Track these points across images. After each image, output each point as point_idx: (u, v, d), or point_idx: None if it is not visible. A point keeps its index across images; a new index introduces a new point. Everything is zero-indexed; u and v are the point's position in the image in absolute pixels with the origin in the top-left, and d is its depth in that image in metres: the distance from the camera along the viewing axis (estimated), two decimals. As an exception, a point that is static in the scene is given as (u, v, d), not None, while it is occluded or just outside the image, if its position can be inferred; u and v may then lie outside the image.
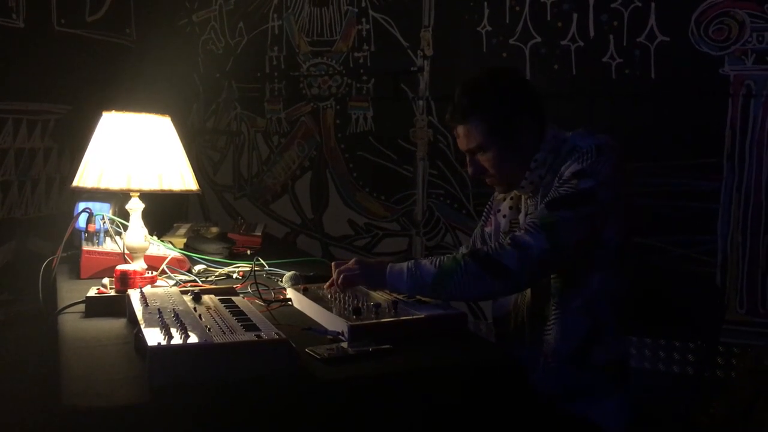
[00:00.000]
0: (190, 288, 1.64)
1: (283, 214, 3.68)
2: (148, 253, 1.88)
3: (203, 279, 1.95)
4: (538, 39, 2.99)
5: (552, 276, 1.59)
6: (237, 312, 1.39)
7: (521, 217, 1.71)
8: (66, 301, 1.64)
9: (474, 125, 1.61)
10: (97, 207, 2.07)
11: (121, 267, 1.67)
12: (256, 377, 1.15)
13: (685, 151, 2.75)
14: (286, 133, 3.64)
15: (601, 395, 1.59)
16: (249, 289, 1.78)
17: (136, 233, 1.82)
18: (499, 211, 1.78)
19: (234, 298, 1.53)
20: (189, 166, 1.91)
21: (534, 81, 2.85)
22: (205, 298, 1.50)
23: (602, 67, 2.87)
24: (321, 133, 3.54)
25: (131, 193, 1.81)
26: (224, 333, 1.21)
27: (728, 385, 2.58)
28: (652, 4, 2.76)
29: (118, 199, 2.11)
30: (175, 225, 2.55)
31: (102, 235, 2.00)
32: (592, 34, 2.89)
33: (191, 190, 1.88)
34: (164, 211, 2.74)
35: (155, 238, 2.06)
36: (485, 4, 3.09)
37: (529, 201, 1.69)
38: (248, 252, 2.33)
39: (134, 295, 1.50)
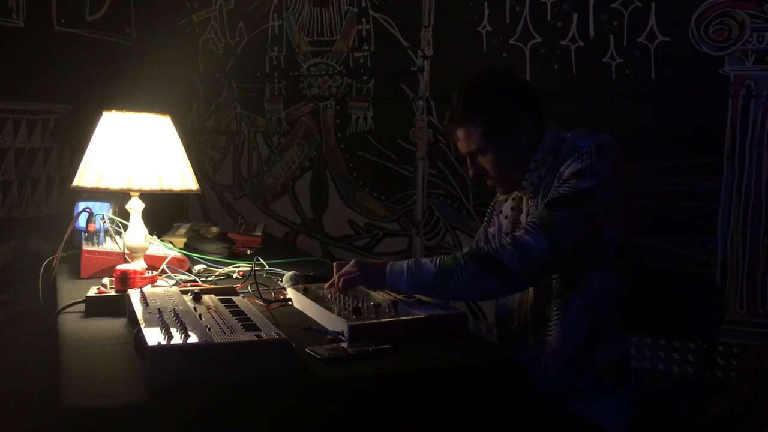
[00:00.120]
0: (190, 288, 1.64)
1: (283, 213, 3.68)
2: (148, 252, 1.88)
3: (203, 279, 1.95)
4: (538, 39, 2.99)
5: (553, 276, 1.59)
6: (237, 312, 1.39)
7: (522, 217, 1.71)
8: (66, 301, 1.64)
9: (472, 127, 1.61)
10: (97, 207, 2.07)
11: (121, 267, 1.68)
12: (256, 377, 1.15)
13: (685, 152, 2.75)
14: (286, 132, 3.63)
15: (602, 395, 1.59)
16: (249, 289, 1.78)
17: (136, 233, 1.82)
18: (500, 212, 1.78)
19: (234, 298, 1.53)
20: (189, 166, 1.91)
21: (534, 81, 2.86)
22: (205, 297, 1.50)
23: (602, 67, 2.87)
24: (321, 133, 3.54)
25: (131, 193, 1.81)
26: (224, 333, 1.21)
27: (728, 385, 2.58)
28: (653, 5, 2.76)
29: (118, 198, 2.11)
30: (175, 225, 2.55)
31: (102, 234, 2.00)
32: (592, 34, 2.89)
33: (191, 190, 1.88)
34: (164, 211, 2.75)
35: (155, 237, 2.06)
36: (485, 4, 3.09)
37: (530, 201, 1.69)
38: (248, 252, 2.33)
39: (134, 294, 1.50)
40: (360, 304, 1.51)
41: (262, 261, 2.06)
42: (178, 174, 1.84)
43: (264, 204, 3.73)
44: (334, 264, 1.68)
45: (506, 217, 1.76)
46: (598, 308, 1.58)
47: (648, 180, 2.77)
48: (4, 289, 2.86)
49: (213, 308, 1.41)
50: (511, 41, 3.04)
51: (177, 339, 1.15)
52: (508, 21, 3.05)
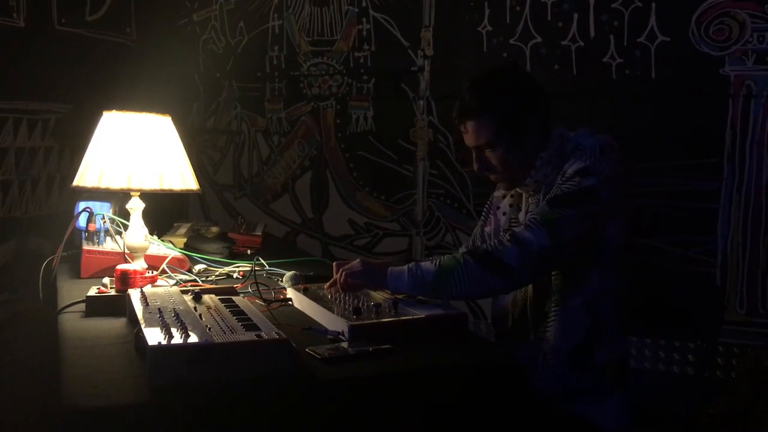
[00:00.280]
0: (191, 287, 1.64)
1: (283, 213, 3.68)
2: (148, 252, 1.88)
3: (203, 279, 1.95)
4: (539, 39, 2.99)
5: (553, 273, 1.59)
6: (237, 312, 1.39)
7: (521, 215, 1.72)
8: (66, 301, 1.64)
9: (484, 121, 1.61)
10: (97, 206, 2.07)
11: (121, 266, 1.68)
12: (257, 377, 1.15)
13: (685, 152, 2.75)
14: (287, 132, 3.63)
15: (602, 395, 1.59)
16: (249, 289, 1.78)
17: (137, 233, 1.82)
18: (498, 208, 1.78)
19: (234, 298, 1.54)
20: (189, 166, 1.91)
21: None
22: (206, 297, 1.50)
23: (603, 67, 2.87)
24: (321, 133, 3.54)
25: (131, 193, 1.81)
26: (224, 333, 1.21)
27: (728, 385, 2.58)
28: (653, 5, 2.76)
29: (118, 198, 2.11)
30: (175, 224, 2.55)
31: (102, 234, 2.00)
32: (592, 34, 2.89)
33: (191, 190, 1.88)
34: (164, 211, 2.75)
35: (155, 237, 2.06)
36: (486, 4, 3.09)
37: (530, 199, 1.69)
38: (248, 252, 2.33)
39: (134, 294, 1.50)
40: (360, 304, 1.52)
41: (263, 261, 2.06)
42: (179, 174, 1.84)
43: (264, 204, 3.73)
44: (334, 264, 1.69)
45: (504, 214, 1.76)
46: (599, 307, 1.58)
47: (648, 180, 2.77)
48: (5, 289, 2.86)
49: (213, 308, 1.41)
50: (511, 41, 3.04)
51: (177, 339, 1.15)
52: (508, 21, 3.05)
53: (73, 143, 3.09)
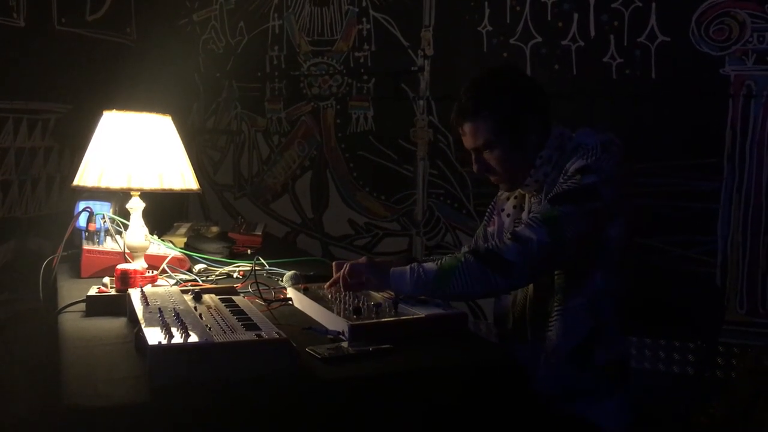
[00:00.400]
0: (191, 287, 1.64)
1: (283, 213, 3.68)
2: (148, 252, 1.88)
3: (204, 278, 1.95)
4: (539, 39, 2.99)
5: (556, 273, 1.59)
6: (237, 311, 1.39)
7: (524, 215, 1.72)
8: (66, 300, 1.64)
9: (482, 123, 1.62)
10: (97, 206, 2.07)
11: (121, 266, 1.68)
12: (257, 376, 1.15)
13: (685, 152, 2.75)
14: (287, 132, 3.63)
15: (602, 395, 1.59)
16: (249, 289, 1.78)
17: (137, 232, 1.82)
18: (503, 210, 1.78)
19: (234, 298, 1.54)
20: (189, 166, 1.91)
21: (534, 81, 2.85)
22: (206, 297, 1.50)
23: (603, 67, 2.87)
24: (321, 133, 3.54)
25: (132, 193, 1.81)
26: (225, 332, 1.21)
27: (728, 385, 2.58)
28: (653, 4, 2.76)
29: (118, 198, 2.11)
30: (175, 224, 2.55)
31: (102, 234, 2.00)
32: (592, 34, 2.89)
33: (191, 190, 1.88)
34: (164, 211, 2.74)
35: (156, 237, 2.06)
36: (486, 3, 3.09)
37: (533, 199, 1.69)
38: (249, 251, 2.33)
39: (135, 294, 1.50)
40: (360, 304, 1.52)
41: (263, 260, 2.06)
42: (179, 173, 1.84)
43: (264, 204, 3.73)
44: (334, 264, 1.69)
45: (508, 215, 1.76)
46: (600, 307, 1.58)
47: (648, 180, 2.77)
48: (5, 289, 2.86)
49: (213, 308, 1.41)
50: (511, 41, 3.04)
51: (177, 338, 1.15)
52: (508, 21, 3.05)
53: (73, 143, 3.09)
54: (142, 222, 1.83)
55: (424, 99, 3.27)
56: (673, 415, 1.75)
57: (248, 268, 1.99)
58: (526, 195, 1.73)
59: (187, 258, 2.05)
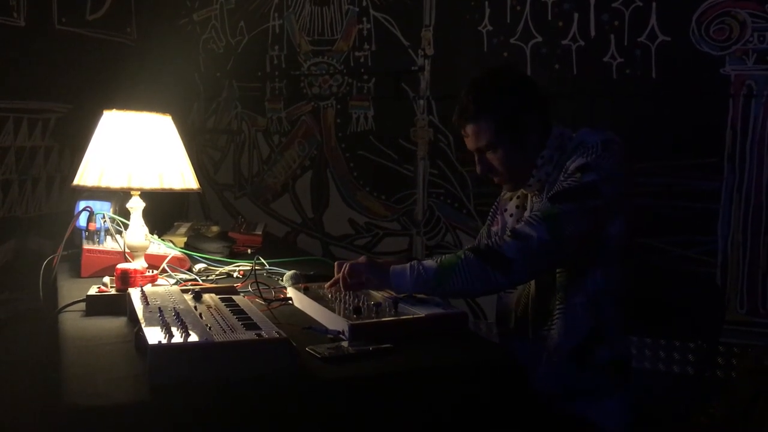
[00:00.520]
0: (191, 287, 1.64)
1: (283, 213, 3.68)
2: (148, 251, 1.88)
3: (204, 278, 1.95)
4: (539, 38, 2.99)
5: (558, 271, 1.59)
6: (237, 311, 1.39)
7: (526, 214, 1.72)
8: (66, 300, 1.64)
9: (483, 124, 1.62)
10: (97, 206, 2.07)
11: (121, 266, 1.68)
12: (257, 376, 1.15)
13: (685, 151, 2.75)
14: (287, 132, 3.63)
15: (602, 395, 1.59)
16: (249, 288, 1.78)
17: (137, 232, 1.82)
18: (506, 210, 1.79)
19: (234, 297, 1.54)
20: (189, 165, 1.91)
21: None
22: (206, 297, 1.50)
23: (603, 66, 2.87)
24: (321, 133, 3.54)
25: (132, 192, 1.81)
26: (225, 332, 1.21)
27: (728, 385, 2.58)
28: (653, 4, 2.76)
29: (118, 197, 2.11)
30: (175, 224, 2.55)
31: (102, 233, 2.00)
32: (593, 33, 2.89)
33: (192, 189, 1.88)
34: (165, 210, 2.75)
35: (156, 236, 2.06)
36: (486, 3, 3.09)
37: (535, 199, 1.70)
38: (249, 251, 2.33)
39: (135, 293, 1.50)
40: (360, 304, 1.52)
41: (263, 260, 2.06)
42: (179, 173, 1.84)
43: (264, 203, 3.73)
44: (336, 263, 1.69)
45: (511, 215, 1.76)
46: (601, 306, 1.58)
47: (648, 180, 2.77)
48: (5, 289, 2.86)
49: (213, 307, 1.41)
50: (512, 41, 3.04)
51: (177, 338, 1.15)
52: (508, 20, 3.05)
53: (73, 143, 3.09)
54: (142, 221, 1.83)
55: (424, 99, 3.27)
56: (673, 415, 1.75)
57: (248, 268, 1.99)
58: (529, 195, 1.73)
59: (187, 257, 2.05)
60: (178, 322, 1.24)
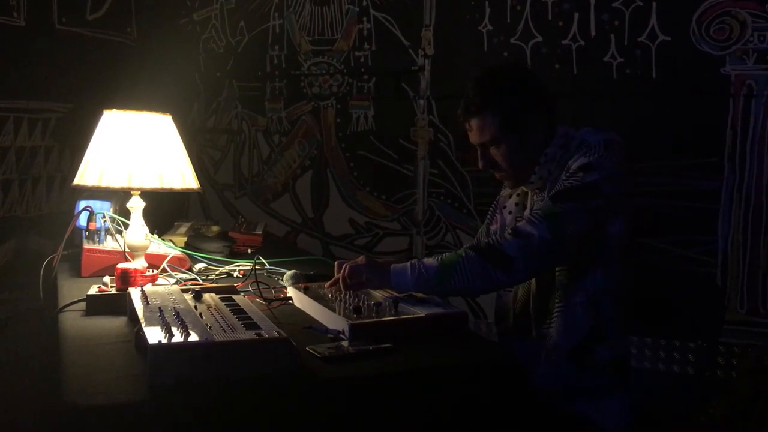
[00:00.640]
0: (191, 286, 1.64)
1: (283, 213, 3.68)
2: (148, 251, 1.88)
3: (204, 277, 1.95)
4: (539, 38, 2.99)
5: (557, 270, 1.59)
6: (238, 310, 1.39)
7: (527, 213, 1.72)
8: (67, 300, 1.64)
9: (488, 118, 1.62)
10: (97, 205, 2.07)
11: (121, 265, 1.67)
12: (257, 375, 1.15)
13: (685, 151, 2.75)
14: (287, 132, 3.63)
15: (602, 394, 1.59)
16: (250, 288, 1.78)
17: (137, 232, 1.82)
18: (505, 207, 1.79)
19: (235, 297, 1.54)
20: (190, 165, 1.91)
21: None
22: (206, 296, 1.50)
23: (603, 66, 2.87)
24: (322, 132, 3.54)
25: (132, 192, 1.81)
26: (225, 331, 1.21)
27: (728, 385, 2.58)
28: (654, 4, 2.76)
29: (118, 197, 2.11)
30: (175, 223, 2.55)
31: (103, 233, 2.00)
32: (593, 33, 2.89)
33: (192, 189, 1.88)
34: (165, 210, 2.75)
35: (156, 236, 2.06)
36: (486, 3, 3.09)
37: (535, 197, 1.70)
38: (249, 251, 2.33)
39: (135, 293, 1.50)
40: (360, 303, 1.52)
41: (263, 260, 2.06)
42: (179, 173, 1.84)
43: (264, 203, 3.73)
44: (336, 263, 1.69)
45: (510, 213, 1.76)
46: (601, 305, 1.58)
47: (648, 180, 2.77)
48: (5, 288, 2.86)
49: (214, 307, 1.41)
50: (512, 40, 3.04)
51: (178, 337, 1.15)
52: (509, 20, 3.05)
53: (73, 142, 3.09)
54: (142, 221, 1.83)
55: (424, 98, 3.27)
56: (673, 415, 1.75)
57: (248, 268, 1.99)
58: (529, 193, 1.73)
59: (187, 257, 2.05)
60: (179, 321, 1.24)
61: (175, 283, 1.81)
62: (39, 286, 1.85)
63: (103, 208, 2.06)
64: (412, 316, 1.48)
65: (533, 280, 1.67)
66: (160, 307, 1.35)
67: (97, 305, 1.58)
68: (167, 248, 2.03)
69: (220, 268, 2.05)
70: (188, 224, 2.51)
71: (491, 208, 1.88)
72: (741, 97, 2.65)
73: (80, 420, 1.04)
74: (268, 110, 3.66)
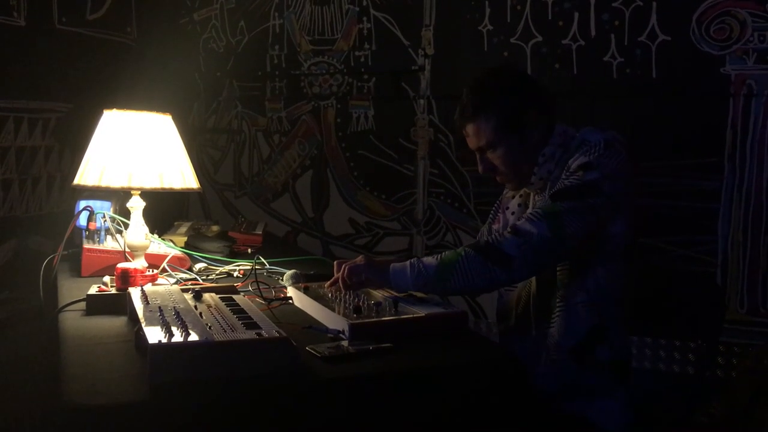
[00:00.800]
0: (191, 286, 1.64)
1: (283, 212, 3.68)
2: (148, 251, 1.88)
3: (204, 277, 1.95)
4: (539, 38, 2.99)
5: (558, 269, 1.59)
6: (238, 310, 1.39)
7: (527, 212, 1.72)
8: (67, 299, 1.64)
9: (483, 123, 1.62)
10: (97, 205, 2.07)
11: (121, 265, 1.67)
12: (257, 375, 1.15)
13: (686, 151, 2.75)
14: (287, 131, 3.64)
15: (602, 394, 1.59)
16: (250, 288, 1.78)
17: (137, 231, 1.82)
18: (507, 208, 1.79)
19: (235, 297, 1.54)
20: (190, 165, 1.91)
21: (535, 80, 2.85)
22: (206, 296, 1.50)
23: (603, 66, 2.87)
24: (322, 132, 3.54)
25: (132, 192, 1.81)
26: (225, 331, 1.21)
27: (728, 385, 2.58)
28: (654, 4, 2.76)
29: (118, 197, 2.11)
30: (175, 223, 2.55)
31: (103, 233, 2.00)
32: (593, 33, 2.89)
33: (192, 189, 1.88)
34: (165, 210, 2.75)
35: (156, 236, 2.06)
36: (486, 3, 3.09)
37: (537, 197, 1.70)
38: (249, 250, 2.33)
39: (135, 293, 1.50)
40: (360, 303, 1.52)
41: (263, 260, 2.06)
42: (179, 172, 1.84)
43: (265, 203, 3.73)
44: (335, 263, 1.69)
45: (512, 213, 1.76)
46: (602, 305, 1.58)
47: (649, 179, 2.77)
48: (5, 287, 2.86)
49: (214, 307, 1.41)
50: (512, 40, 3.04)
51: (178, 337, 1.15)
52: (509, 20, 3.05)
53: (73, 142, 3.09)
54: (142, 221, 1.83)
55: (424, 98, 3.27)
56: (673, 415, 1.75)
57: (248, 267, 1.98)
58: (531, 193, 1.73)
59: (187, 257, 2.05)
60: (179, 321, 1.24)
61: (175, 283, 1.81)
62: (39, 286, 1.84)
63: (103, 208, 2.06)
64: (412, 315, 1.48)
65: (534, 280, 1.67)
66: (160, 307, 1.35)
67: (97, 305, 1.58)
68: (167, 248, 2.03)
69: (220, 268, 2.05)
70: (188, 224, 2.51)
71: (494, 208, 1.88)
72: (741, 96, 2.65)
73: (80, 420, 1.04)
74: (268, 110, 3.67)
